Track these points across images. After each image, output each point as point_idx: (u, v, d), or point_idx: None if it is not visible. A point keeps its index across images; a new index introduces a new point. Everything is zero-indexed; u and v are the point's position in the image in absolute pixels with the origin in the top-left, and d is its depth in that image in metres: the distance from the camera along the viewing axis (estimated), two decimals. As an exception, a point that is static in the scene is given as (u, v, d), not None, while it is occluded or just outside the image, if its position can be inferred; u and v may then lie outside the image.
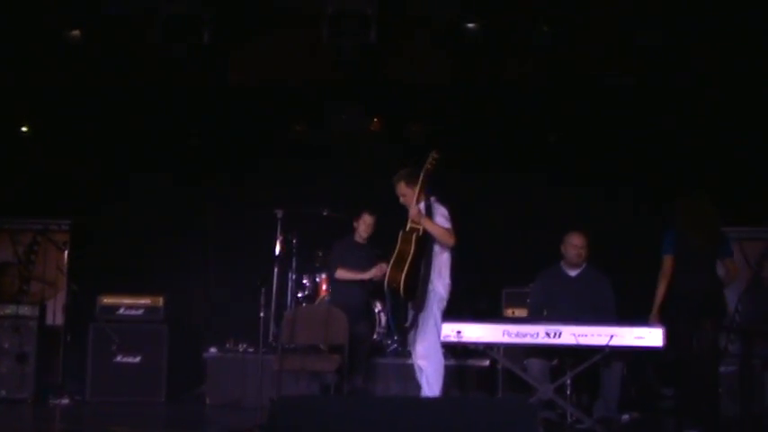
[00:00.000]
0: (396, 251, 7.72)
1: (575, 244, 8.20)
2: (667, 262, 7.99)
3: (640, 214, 9.79)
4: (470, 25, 8.58)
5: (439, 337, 7.63)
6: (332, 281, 9.11)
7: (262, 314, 8.11)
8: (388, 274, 7.71)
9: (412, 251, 7.65)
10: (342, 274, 8.80)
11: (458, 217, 9.81)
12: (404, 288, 7.62)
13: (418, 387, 7.88)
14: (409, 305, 7.86)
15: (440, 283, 7.79)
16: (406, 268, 7.60)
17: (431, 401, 6.08)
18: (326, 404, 4.95)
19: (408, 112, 10.33)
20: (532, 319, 8.32)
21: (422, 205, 7.76)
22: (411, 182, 7.80)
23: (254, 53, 9.38)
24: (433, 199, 7.89)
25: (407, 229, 7.74)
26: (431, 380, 7.66)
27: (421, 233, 7.70)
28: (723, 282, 8.01)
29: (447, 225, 7.78)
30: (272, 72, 9.64)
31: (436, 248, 7.78)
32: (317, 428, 4.53)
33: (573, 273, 8.28)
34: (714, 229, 7.98)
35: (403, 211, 7.92)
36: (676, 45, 8.66)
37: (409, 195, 7.81)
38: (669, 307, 7.95)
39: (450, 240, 7.75)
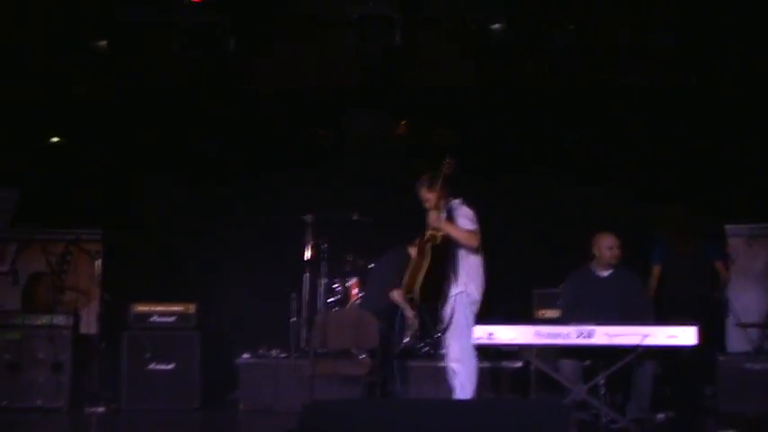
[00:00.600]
0: (412, 263, 7.71)
1: (609, 245, 8.15)
2: (655, 271, 8.80)
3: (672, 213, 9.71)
4: (495, 26, 8.56)
5: (472, 340, 7.61)
6: (368, 286, 9.11)
7: (293, 319, 8.14)
8: (404, 283, 7.69)
9: (427, 262, 7.61)
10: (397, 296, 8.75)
11: (486, 219, 9.81)
12: (421, 296, 7.62)
13: (450, 390, 7.84)
14: (440, 308, 7.83)
15: (472, 285, 7.76)
16: (420, 278, 7.58)
17: (462, 404, 6.07)
18: (357, 408, 4.95)
19: (434, 115, 10.33)
20: (564, 319, 8.33)
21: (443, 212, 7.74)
22: (432, 187, 7.78)
23: (279, 59, 9.41)
24: (457, 201, 7.86)
25: (425, 238, 7.70)
26: (464, 383, 7.64)
27: (438, 240, 7.64)
28: (722, 283, 8.08)
29: (470, 227, 7.73)
30: (297, 78, 9.67)
31: (462, 251, 7.75)
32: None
33: (604, 273, 8.23)
34: (696, 236, 8.33)
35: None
36: (694, 44, 8.61)
37: (432, 200, 7.79)
38: (659, 312, 8.19)
39: (474, 242, 7.71)
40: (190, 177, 10.49)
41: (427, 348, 9.37)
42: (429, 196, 7.81)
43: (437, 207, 7.70)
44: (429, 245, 7.66)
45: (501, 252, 9.74)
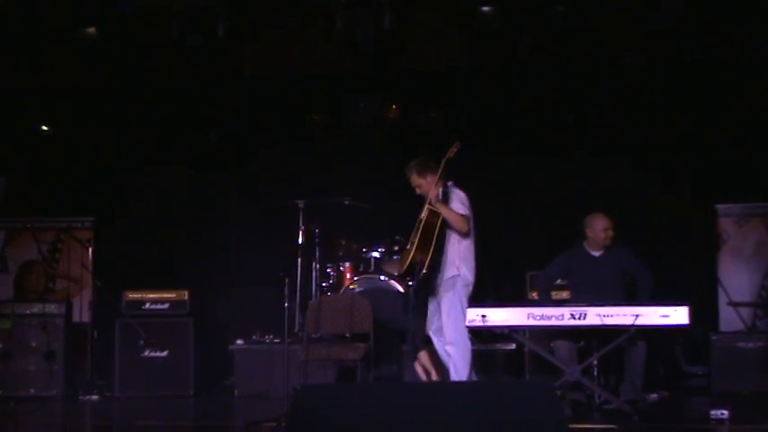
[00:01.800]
0: (421, 229, 7.66)
1: (604, 227, 8.18)
2: None
3: (661, 193, 9.74)
4: (485, 8, 8.53)
5: (465, 323, 7.62)
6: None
7: (287, 304, 8.13)
8: (412, 254, 7.66)
9: (437, 228, 7.61)
10: None
11: (479, 201, 9.80)
12: (429, 265, 7.61)
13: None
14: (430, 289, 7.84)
15: (465, 269, 7.76)
16: (433, 244, 7.57)
17: (454, 386, 6.07)
18: (350, 392, 4.95)
19: (426, 98, 10.31)
20: (541, 283, 8.53)
21: (439, 192, 7.74)
22: (423, 171, 7.82)
23: (270, 44, 9.37)
24: (450, 184, 7.87)
25: (417, 223, 7.71)
26: (458, 365, 7.65)
27: (421, 225, 7.68)
28: None
29: (463, 211, 7.73)
30: (288, 62, 9.63)
31: (456, 235, 7.76)
32: (342, 416, 4.53)
33: (596, 253, 8.26)
34: None
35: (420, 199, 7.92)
36: (691, 22, 8.60)
37: (423, 185, 7.82)
38: None
39: (464, 226, 7.70)
40: (182, 164, 10.46)
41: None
42: (420, 182, 7.84)
43: (436, 188, 7.71)
44: (422, 223, 7.66)
45: (494, 234, 9.78)
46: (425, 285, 7.75)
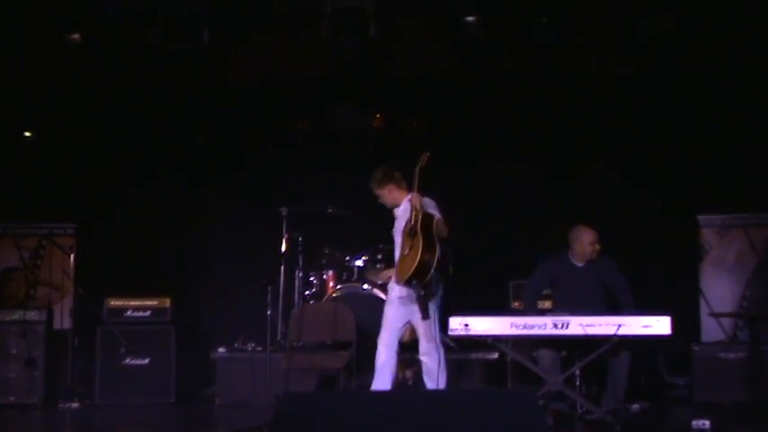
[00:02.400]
0: (420, 231, 7.56)
1: (591, 241, 8.20)
2: None
3: (643, 203, 9.78)
4: (469, 18, 8.55)
5: (437, 332, 7.60)
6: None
7: (269, 312, 8.12)
8: (420, 256, 7.48)
9: (434, 228, 7.58)
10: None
11: (462, 211, 9.85)
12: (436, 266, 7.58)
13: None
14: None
15: (437, 275, 7.75)
16: (436, 243, 7.54)
17: (436, 394, 6.07)
18: (332, 400, 4.94)
19: (410, 107, 10.32)
20: (527, 293, 8.53)
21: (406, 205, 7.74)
22: (387, 181, 7.88)
23: (254, 52, 9.38)
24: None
25: (411, 222, 7.66)
26: (433, 375, 7.62)
27: (419, 228, 7.57)
28: None
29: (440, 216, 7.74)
30: (273, 70, 9.64)
31: None
32: (324, 424, 4.52)
33: (580, 264, 8.28)
34: None
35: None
36: (673, 33, 8.64)
37: (386, 195, 7.89)
38: None
39: (448, 230, 7.70)
40: (165, 171, 10.42)
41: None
42: (383, 192, 7.89)
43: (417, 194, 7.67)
44: (418, 226, 7.59)
45: (477, 243, 9.82)
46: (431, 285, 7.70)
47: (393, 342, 7.80)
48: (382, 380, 7.73)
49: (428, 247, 7.48)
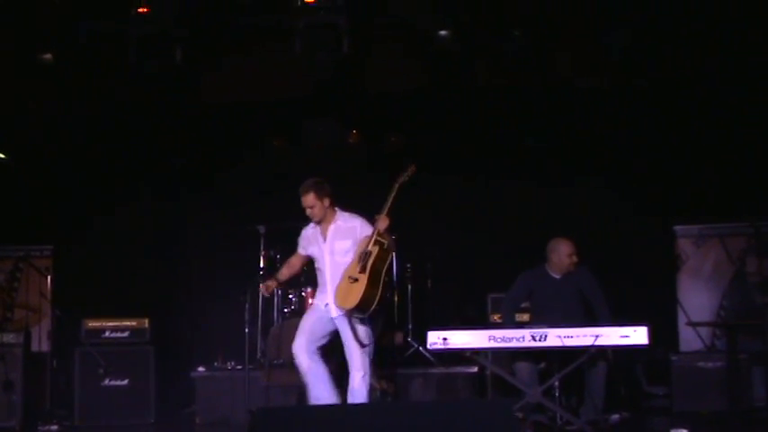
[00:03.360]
0: (371, 264, 7.42)
1: (568, 253, 8.20)
2: None
3: (619, 214, 9.82)
4: (442, 32, 8.59)
5: (368, 364, 7.54)
6: None
7: (247, 330, 8.10)
8: (364, 291, 7.37)
9: (387, 262, 7.52)
10: None
11: (439, 225, 9.89)
12: (379, 300, 7.45)
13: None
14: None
15: None
16: (382, 279, 7.44)
17: (414, 406, 6.07)
18: (308, 414, 4.93)
19: (385, 122, 10.35)
20: (505, 306, 8.48)
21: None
22: (321, 194, 7.64)
23: (228, 70, 9.39)
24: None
25: (363, 253, 7.49)
26: (363, 390, 7.53)
27: (373, 259, 7.45)
28: None
29: None
30: (247, 88, 9.65)
31: None
32: (299, 438, 4.52)
33: (558, 276, 8.30)
34: None
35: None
36: (646, 45, 8.71)
37: (317, 208, 7.64)
38: None
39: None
40: (142, 191, 10.41)
41: (409, 354, 9.39)
42: (315, 203, 7.63)
43: (387, 213, 7.60)
44: (373, 257, 7.47)
45: (455, 257, 9.84)
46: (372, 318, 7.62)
47: (314, 349, 7.61)
48: (319, 390, 7.56)
49: (373, 284, 7.38)
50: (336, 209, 7.75)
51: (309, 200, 7.65)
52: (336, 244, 7.69)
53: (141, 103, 9.84)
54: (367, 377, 7.53)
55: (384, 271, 7.47)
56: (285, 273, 7.98)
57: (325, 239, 7.72)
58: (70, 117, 9.97)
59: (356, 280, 7.41)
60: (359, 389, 7.48)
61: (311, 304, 7.98)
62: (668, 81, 9.53)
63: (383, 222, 7.51)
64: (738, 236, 9.69)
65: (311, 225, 7.83)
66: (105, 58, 8.94)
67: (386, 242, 7.51)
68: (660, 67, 9.23)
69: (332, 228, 7.73)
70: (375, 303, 7.40)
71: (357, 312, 7.43)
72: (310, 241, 7.82)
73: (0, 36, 8.74)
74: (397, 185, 7.63)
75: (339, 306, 7.49)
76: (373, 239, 7.46)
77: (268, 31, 8.93)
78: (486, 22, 8.76)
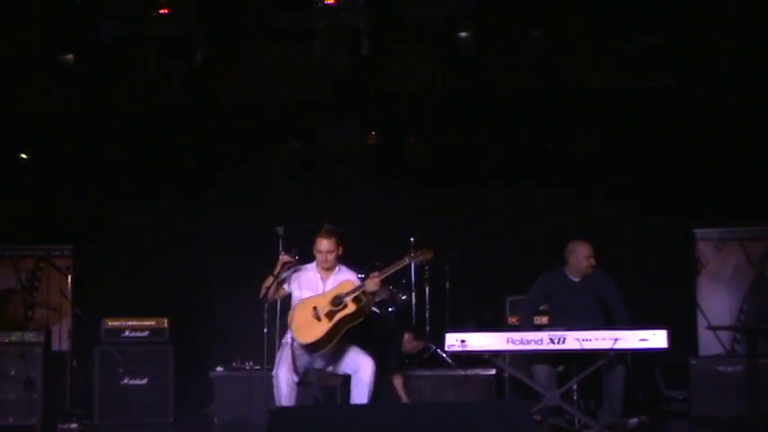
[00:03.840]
0: (336, 320, 7.45)
1: (586, 255, 8.19)
2: None
3: (639, 217, 9.80)
4: (462, 34, 8.58)
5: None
6: None
7: (265, 330, 8.11)
8: (319, 338, 7.43)
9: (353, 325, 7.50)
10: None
11: (458, 227, 9.89)
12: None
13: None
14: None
15: None
16: (339, 337, 7.46)
17: (431, 407, 6.06)
18: (325, 413, 4.94)
19: (404, 123, 10.36)
20: (523, 308, 8.45)
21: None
22: (339, 242, 7.72)
23: (248, 71, 9.41)
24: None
25: (335, 299, 7.52)
26: None
27: (350, 310, 7.47)
28: None
29: None
30: (267, 89, 9.67)
31: None
32: (316, 438, 4.53)
33: (576, 279, 8.28)
34: None
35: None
36: (666, 47, 8.68)
37: (334, 254, 7.70)
38: None
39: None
40: (162, 191, 10.45)
41: (427, 356, 9.41)
42: (332, 248, 7.70)
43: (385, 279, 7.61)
44: (349, 310, 7.48)
45: (474, 259, 9.83)
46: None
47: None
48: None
49: (331, 334, 7.40)
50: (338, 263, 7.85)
51: (331, 245, 7.72)
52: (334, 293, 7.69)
53: (161, 104, 9.87)
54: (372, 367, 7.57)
55: (346, 329, 7.44)
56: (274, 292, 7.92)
57: (324, 286, 7.77)
58: (91, 117, 10.01)
59: (319, 319, 7.46)
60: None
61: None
62: (688, 83, 9.49)
63: (372, 284, 7.48)
64: (759, 239, 9.65)
65: (310, 268, 7.87)
66: (126, 58, 8.97)
67: (364, 302, 7.51)
68: (680, 68, 9.19)
69: (332, 279, 7.80)
70: (325, 349, 7.45)
71: (307, 348, 7.49)
72: (305, 284, 7.83)
73: (23, 36, 8.78)
74: (406, 261, 7.59)
75: (294, 334, 7.55)
76: (355, 295, 7.47)
77: (287, 32, 8.94)
78: (504, 25, 8.73)
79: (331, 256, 7.72)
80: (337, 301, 7.49)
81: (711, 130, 9.78)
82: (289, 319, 7.67)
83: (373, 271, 9.40)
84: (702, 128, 9.79)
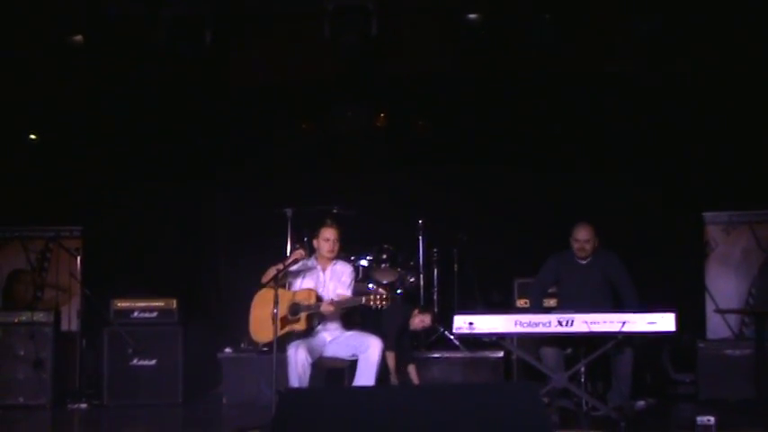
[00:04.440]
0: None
1: (577, 238, 8.22)
2: None
3: (649, 201, 9.79)
4: (471, 15, 8.55)
5: None
6: None
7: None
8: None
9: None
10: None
11: (466, 209, 9.88)
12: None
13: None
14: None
15: None
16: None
17: (439, 389, 6.08)
18: (335, 395, 4.96)
19: (413, 106, 10.34)
20: (533, 289, 8.50)
21: None
22: (341, 234, 7.92)
23: (257, 53, 9.39)
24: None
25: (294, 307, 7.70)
26: None
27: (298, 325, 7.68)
28: None
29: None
30: (276, 71, 9.66)
31: None
32: (327, 419, 4.54)
33: (584, 261, 8.29)
34: None
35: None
36: (676, 30, 8.63)
37: (338, 244, 7.87)
38: None
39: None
40: (170, 172, 10.46)
41: (434, 338, 9.43)
42: (336, 238, 7.87)
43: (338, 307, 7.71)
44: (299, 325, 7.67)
45: (482, 241, 9.84)
46: None
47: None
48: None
49: (276, 343, 7.54)
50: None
51: (335, 234, 7.88)
52: (331, 284, 7.90)
53: (171, 85, 9.86)
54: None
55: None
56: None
57: (323, 277, 7.92)
58: (100, 98, 10.02)
59: (273, 322, 7.60)
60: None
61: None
62: (698, 67, 9.45)
63: (326, 309, 7.62)
64: (767, 223, 9.63)
65: (312, 259, 7.98)
66: (135, 39, 8.95)
67: (314, 323, 7.70)
68: (690, 52, 9.15)
69: (329, 270, 7.96)
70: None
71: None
72: (307, 275, 7.94)
73: (31, 18, 8.77)
74: (362, 301, 7.57)
75: (250, 327, 8.00)
76: (310, 312, 7.64)
77: (297, 13, 8.90)
78: (515, 6, 8.69)
79: (335, 246, 7.86)
80: (294, 310, 7.68)
81: (722, 114, 9.74)
82: (254, 302, 7.98)
83: (382, 254, 9.52)
84: (713, 111, 9.75)
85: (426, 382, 8.82)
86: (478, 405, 4.61)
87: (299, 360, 7.51)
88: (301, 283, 7.89)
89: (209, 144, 10.51)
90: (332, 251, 7.87)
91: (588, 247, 8.19)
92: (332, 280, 7.90)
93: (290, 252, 8.33)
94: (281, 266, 7.76)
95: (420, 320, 8.83)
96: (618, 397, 7.81)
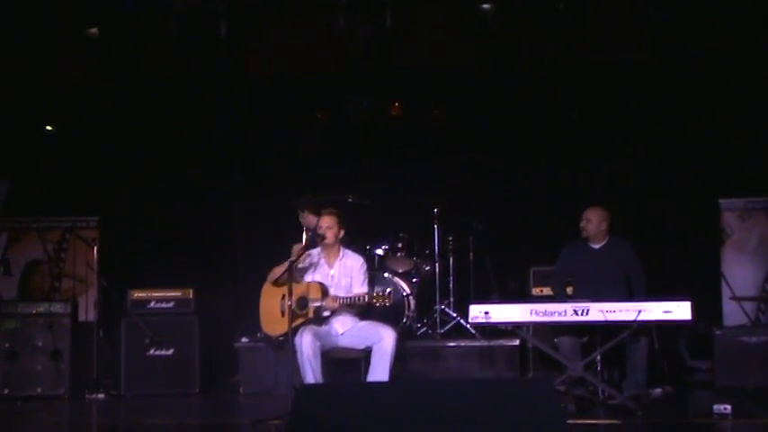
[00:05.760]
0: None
1: (582, 217, 8.21)
2: None
3: (664, 188, 9.75)
4: (485, 5, 8.52)
5: None
6: None
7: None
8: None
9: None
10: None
11: (482, 197, 9.87)
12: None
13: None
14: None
15: None
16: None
17: (454, 383, 6.08)
18: (351, 390, 4.96)
19: (428, 95, 10.33)
20: (553, 282, 8.53)
21: None
22: (341, 222, 7.92)
23: (272, 44, 9.38)
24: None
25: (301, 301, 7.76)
26: None
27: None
28: None
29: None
30: (291, 62, 9.66)
31: None
32: (342, 415, 4.55)
33: (596, 246, 8.28)
34: None
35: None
36: (690, 17, 8.59)
37: (334, 231, 7.87)
38: None
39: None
40: (187, 162, 10.49)
41: (425, 329, 9.45)
42: (334, 225, 7.88)
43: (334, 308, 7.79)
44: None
45: (498, 229, 9.83)
46: None
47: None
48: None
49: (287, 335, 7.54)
50: (341, 246, 8.01)
51: (331, 221, 7.90)
52: (343, 280, 7.92)
53: (186, 76, 9.87)
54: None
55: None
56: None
57: (331, 272, 7.95)
58: (116, 90, 10.04)
59: (283, 315, 7.76)
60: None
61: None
62: (713, 53, 9.39)
63: (330, 305, 7.72)
64: (782, 210, 9.61)
65: (315, 253, 8.00)
66: (150, 31, 8.96)
67: (319, 316, 7.75)
68: (705, 38, 9.10)
69: (337, 264, 7.98)
70: None
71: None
72: (317, 269, 7.99)
73: (47, 11, 8.79)
74: (366, 300, 7.62)
75: (261, 321, 8.15)
76: (317, 306, 7.71)
77: (312, 4, 8.90)
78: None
79: (331, 232, 7.87)
80: (302, 304, 7.74)
81: (737, 100, 9.69)
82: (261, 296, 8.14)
83: (398, 242, 9.52)
84: (728, 97, 9.70)
85: (443, 372, 8.83)
86: (494, 399, 4.62)
87: (304, 344, 7.54)
88: (312, 277, 7.93)
89: (224, 134, 10.52)
90: (329, 238, 7.87)
91: (590, 227, 8.18)
92: (344, 276, 7.91)
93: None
94: (284, 266, 7.79)
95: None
96: (634, 385, 7.80)
